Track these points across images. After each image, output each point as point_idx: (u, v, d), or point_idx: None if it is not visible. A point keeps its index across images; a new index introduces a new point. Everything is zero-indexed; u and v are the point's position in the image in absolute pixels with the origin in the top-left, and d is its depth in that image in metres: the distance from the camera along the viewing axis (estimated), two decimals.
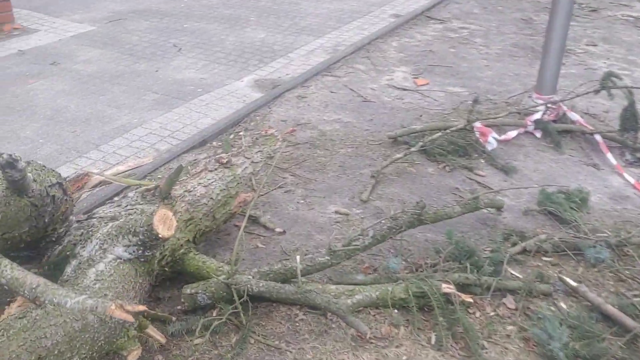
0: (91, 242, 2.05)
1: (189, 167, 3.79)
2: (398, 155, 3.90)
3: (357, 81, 5.39)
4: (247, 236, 3.22)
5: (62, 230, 2.09)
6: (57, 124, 4.22)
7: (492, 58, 6.16)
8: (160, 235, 2.01)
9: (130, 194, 2.73)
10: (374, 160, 4.04)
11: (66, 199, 2.11)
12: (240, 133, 4.31)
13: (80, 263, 1.97)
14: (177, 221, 2.74)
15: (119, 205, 2.64)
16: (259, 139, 3.39)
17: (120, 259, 1.95)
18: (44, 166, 2.17)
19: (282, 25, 6.73)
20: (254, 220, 3.35)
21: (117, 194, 3.37)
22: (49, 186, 2.03)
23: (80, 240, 2.09)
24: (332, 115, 4.67)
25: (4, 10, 6.30)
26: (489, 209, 3.42)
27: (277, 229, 3.28)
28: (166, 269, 2.66)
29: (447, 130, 4.10)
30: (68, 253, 2.10)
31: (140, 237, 2.00)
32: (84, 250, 2.02)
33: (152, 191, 2.71)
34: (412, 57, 6.07)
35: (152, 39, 6.12)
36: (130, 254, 1.98)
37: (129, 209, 2.59)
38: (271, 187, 3.67)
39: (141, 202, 2.67)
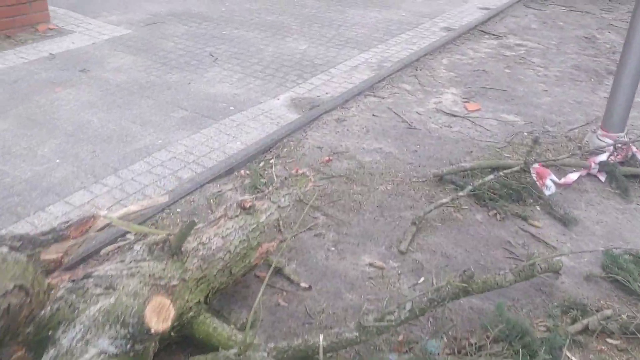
0: (74, 327, 1.72)
1: (212, 201, 3.45)
2: (443, 200, 3.48)
3: (402, 103, 4.97)
4: (268, 290, 2.87)
5: (29, 330, 1.76)
6: (77, 142, 3.95)
7: (551, 81, 5.66)
8: (152, 330, 1.67)
9: (137, 247, 2.40)
10: (416, 201, 3.63)
11: (30, 301, 1.74)
12: (271, 161, 3.96)
13: (58, 356, 1.64)
14: (188, 280, 2.41)
15: (122, 261, 2.31)
16: (288, 179, 3.02)
17: (105, 353, 1.62)
18: (4, 259, 1.81)
19: (325, 36, 6.35)
20: (277, 270, 2.99)
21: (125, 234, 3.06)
22: (2, 295, 1.66)
23: (63, 321, 1.76)
24: (373, 144, 4.27)
25: (39, 10, 6.10)
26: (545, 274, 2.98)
27: (303, 284, 2.91)
28: (172, 333, 2.33)
29: (500, 173, 3.65)
30: (50, 333, 1.77)
31: (130, 329, 1.67)
32: (64, 337, 1.69)
33: (161, 245, 2.37)
34: (463, 77, 5.62)
35: (188, 46, 5.83)
36: (116, 347, 1.65)
37: (132, 267, 2.26)
38: (300, 229, 3.30)
39: (147, 258, 2.34)
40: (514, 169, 3.69)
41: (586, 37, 7.07)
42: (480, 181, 3.60)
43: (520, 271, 2.77)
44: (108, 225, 2.59)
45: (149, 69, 5.24)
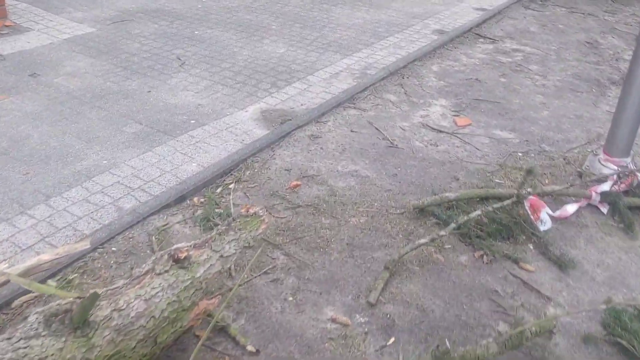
0: None
1: (154, 238, 2.98)
2: (422, 241, 3.01)
3: (385, 117, 4.50)
4: (207, 355, 2.41)
5: None
6: (9, 161, 3.47)
7: (549, 92, 5.19)
8: None
9: (31, 318, 1.93)
10: (392, 237, 3.18)
11: None
12: (231, 186, 3.49)
13: None
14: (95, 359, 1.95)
15: (8, 339, 1.85)
16: (237, 219, 2.55)
17: None
18: None
19: (306, 38, 5.86)
20: (221, 328, 2.53)
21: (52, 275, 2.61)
22: None
23: None
24: (348, 165, 3.80)
25: None
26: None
27: (249, 347, 2.46)
28: None
29: (489, 208, 3.19)
30: None
31: None
32: None
33: (62, 316, 1.91)
34: (454, 86, 5.15)
35: (155, 48, 5.34)
36: None
37: (19, 348, 1.80)
38: (254, 273, 2.84)
39: (43, 333, 1.88)
40: (505, 203, 3.23)
41: (588, 42, 6.59)
42: (466, 217, 3.14)
43: (507, 340, 2.32)
44: (6, 282, 2.13)
45: (107, 74, 4.76)
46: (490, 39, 6.46)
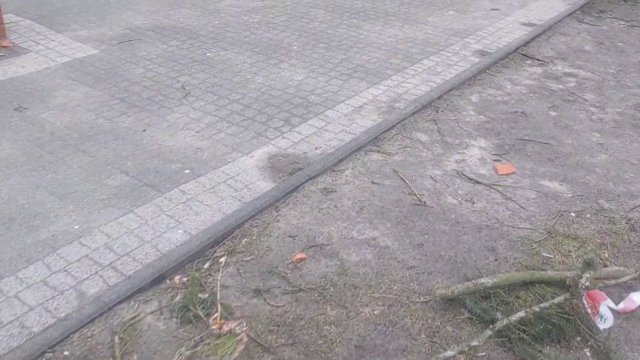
0: None
1: (118, 338, 2.43)
2: (449, 354, 2.38)
3: (413, 163, 3.86)
4: None
5: None
6: None
7: (607, 129, 4.47)
8: None
9: None
10: (412, 338, 2.55)
11: None
12: (222, 259, 2.92)
13: None
14: None
15: None
16: (206, 340, 1.97)
17: None
18: None
19: (330, 61, 5.25)
20: None
21: None
22: None
23: None
24: (366, 230, 3.19)
25: None
26: None
27: None
28: None
29: (536, 308, 2.53)
30: None
31: None
32: None
33: None
34: (496, 122, 4.47)
35: (160, 74, 4.81)
36: None
37: None
38: None
39: None
40: (556, 300, 2.57)
41: None
42: (505, 321, 2.49)
43: None
44: None
45: (101, 107, 4.25)
46: (539, 60, 5.73)
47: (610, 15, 7.40)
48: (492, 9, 6.98)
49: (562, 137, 4.33)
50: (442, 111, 4.60)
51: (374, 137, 4.07)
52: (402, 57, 5.43)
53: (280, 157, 3.76)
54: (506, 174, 3.88)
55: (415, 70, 5.16)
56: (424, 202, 3.50)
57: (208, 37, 5.65)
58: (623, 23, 7.12)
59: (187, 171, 3.53)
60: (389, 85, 4.82)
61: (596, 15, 7.35)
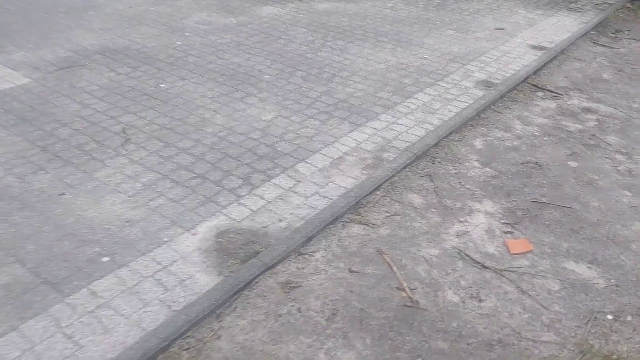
0: None
1: None
2: None
3: (403, 238, 3.04)
4: None
5: None
6: None
7: (639, 185, 3.66)
8: None
9: None
10: None
11: None
12: None
13: None
14: None
15: None
16: None
17: None
18: None
19: (307, 95, 4.41)
20: None
21: None
22: None
23: None
24: (338, 351, 2.36)
25: None
26: None
27: None
28: None
29: None
30: None
31: None
32: None
33: None
34: (504, 177, 3.65)
35: (98, 112, 3.96)
36: None
37: None
38: None
39: None
40: None
41: None
42: None
43: None
44: None
45: (14, 158, 3.40)
46: (552, 92, 4.91)
47: (628, 35, 6.59)
48: (496, 29, 6.16)
49: (587, 198, 3.51)
50: (440, 162, 3.76)
51: (356, 201, 3.23)
52: (393, 89, 4.60)
53: (232, 235, 2.91)
54: (520, 253, 3.06)
55: (408, 107, 4.32)
56: (417, 301, 2.67)
57: (166, 63, 4.80)
58: None
59: (106, 258, 2.68)
60: (376, 128, 3.99)
61: (612, 35, 6.54)
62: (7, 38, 5.04)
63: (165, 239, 2.82)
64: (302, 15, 6.14)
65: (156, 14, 5.86)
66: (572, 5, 7.06)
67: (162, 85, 4.38)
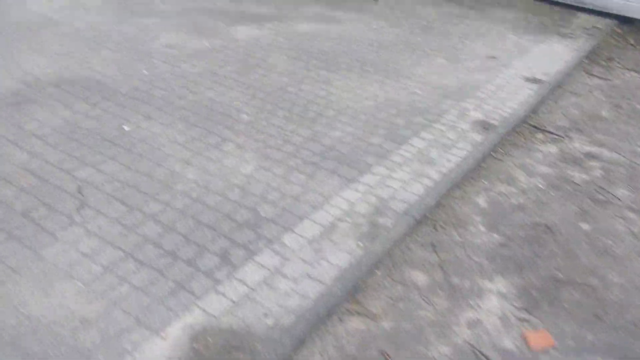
0: None
1: None
2: None
3: (409, 333, 2.61)
4: None
5: None
6: None
7: None
8: None
9: None
10: None
11: None
12: None
13: None
14: None
15: None
16: None
17: None
18: None
19: (290, 141, 3.94)
20: None
21: None
22: None
23: None
24: None
25: None
26: None
27: None
28: None
29: None
30: None
31: None
32: None
33: None
34: (514, 244, 3.26)
35: (49, 164, 3.41)
36: None
37: None
38: None
39: None
40: None
41: None
42: None
43: None
44: None
45: None
46: (553, 133, 4.55)
47: (620, 63, 6.30)
48: (488, 57, 5.78)
49: (605, 271, 3.14)
50: (443, 227, 3.34)
51: (352, 284, 2.78)
52: (385, 133, 4.16)
53: (209, 338, 2.43)
54: (541, 349, 2.65)
55: (403, 155, 3.89)
56: None
57: (130, 98, 4.26)
58: (636, 75, 6.01)
59: None
60: (369, 185, 3.54)
61: (604, 64, 6.23)
62: None
63: (128, 348, 2.31)
64: (281, 39, 5.66)
65: (120, 34, 5.30)
66: (562, 29, 6.74)
67: (125, 128, 3.85)
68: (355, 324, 2.63)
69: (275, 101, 4.45)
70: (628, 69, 6.15)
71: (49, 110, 3.96)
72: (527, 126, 4.65)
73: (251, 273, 2.76)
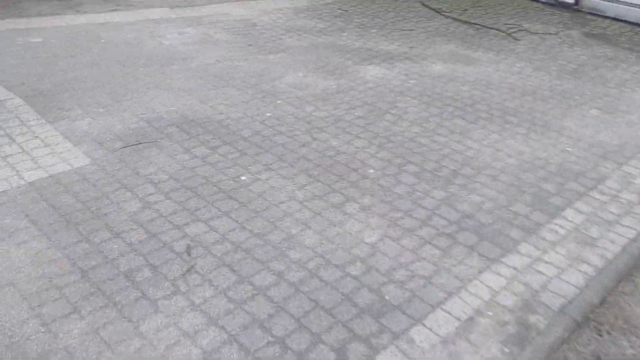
0: None
1: None
2: None
3: None
4: None
5: None
6: None
7: None
8: None
9: None
10: None
11: None
12: None
13: None
14: None
15: None
16: None
17: None
18: None
19: (422, 204, 3.46)
20: None
21: None
22: None
23: None
24: None
25: None
26: None
27: None
28: None
29: None
30: None
31: None
32: None
33: None
34: None
35: (160, 217, 3.18)
36: None
37: None
38: None
39: None
40: None
41: None
42: None
43: None
44: None
45: (45, 289, 2.63)
46: None
47: None
48: None
49: None
50: (609, 334, 2.69)
51: None
52: (532, 200, 3.55)
53: None
54: None
55: (556, 232, 3.27)
56: None
57: (251, 143, 3.99)
58: None
59: None
60: (515, 268, 2.97)
61: None
62: (76, 98, 4.41)
63: None
64: (413, 81, 5.21)
65: (246, 71, 5.11)
66: None
67: (242, 178, 3.56)
68: None
69: (405, 154, 3.99)
70: None
71: (168, 154, 3.77)
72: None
73: None
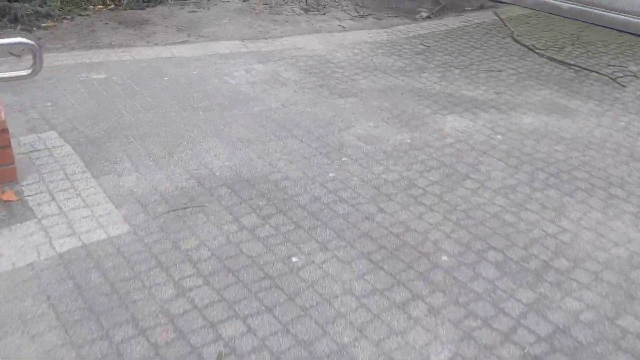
0: None
1: None
2: None
3: None
4: None
5: None
6: None
7: None
8: None
9: None
10: None
11: None
12: None
13: None
14: None
15: None
16: None
17: None
18: None
19: (505, 310, 2.89)
20: None
21: None
22: None
23: None
24: None
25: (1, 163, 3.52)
26: None
27: None
28: None
29: None
30: None
31: None
32: None
33: None
34: None
35: (194, 308, 2.76)
36: None
37: None
38: None
39: None
40: None
41: None
42: None
43: None
44: None
45: None
46: None
47: None
48: None
49: None
50: None
51: None
52: None
53: None
54: None
55: None
56: None
57: (308, 212, 3.52)
58: None
59: None
60: None
61: None
62: (127, 148, 4.10)
63: None
64: (499, 137, 4.60)
65: (312, 119, 4.67)
66: None
67: (294, 260, 3.10)
68: None
69: (487, 235, 3.40)
70: None
71: (214, 222, 3.36)
72: None
73: None
